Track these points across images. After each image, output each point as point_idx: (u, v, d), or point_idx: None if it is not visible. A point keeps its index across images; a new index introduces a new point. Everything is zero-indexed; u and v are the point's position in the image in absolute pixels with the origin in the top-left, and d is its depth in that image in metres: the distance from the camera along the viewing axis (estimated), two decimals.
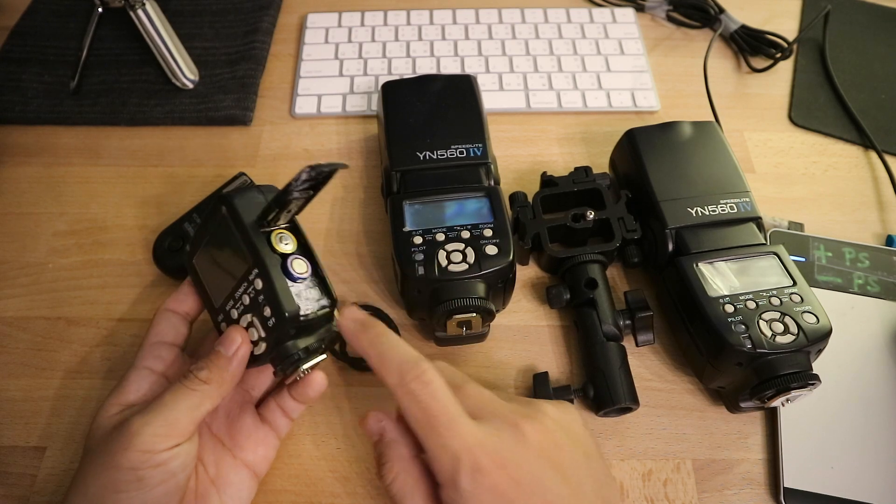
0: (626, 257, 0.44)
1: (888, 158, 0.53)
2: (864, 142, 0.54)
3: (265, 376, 0.38)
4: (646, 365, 0.42)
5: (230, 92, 0.56)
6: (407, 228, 0.40)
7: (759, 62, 0.60)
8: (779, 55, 0.59)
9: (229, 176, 0.49)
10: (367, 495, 0.38)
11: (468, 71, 0.58)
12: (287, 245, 0.32)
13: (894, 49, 0.61)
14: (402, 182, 0.43)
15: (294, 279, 0.32)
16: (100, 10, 0.59)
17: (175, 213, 0.47)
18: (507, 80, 0.57)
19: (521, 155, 0.53)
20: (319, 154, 0.53)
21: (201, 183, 0.51)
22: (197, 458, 0.33)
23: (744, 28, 0.60)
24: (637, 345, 0.41)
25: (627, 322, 0.41)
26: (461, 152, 0.44)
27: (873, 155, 0.54)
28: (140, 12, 0.54)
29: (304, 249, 0.33)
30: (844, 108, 0.56)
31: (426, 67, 0.58)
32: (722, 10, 0.62)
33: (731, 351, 0.36)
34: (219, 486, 0.34)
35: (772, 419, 0.40)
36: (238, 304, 0.33)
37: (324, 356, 0.34)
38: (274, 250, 0.32)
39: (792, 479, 0.38)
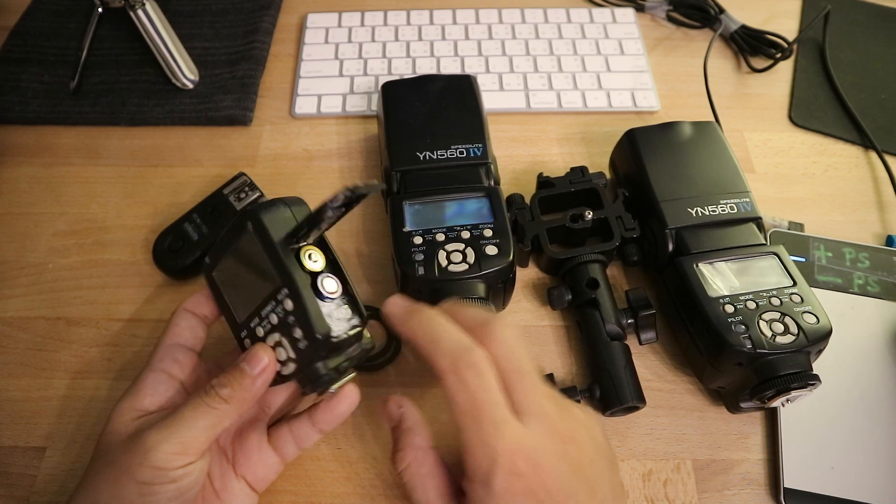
0: (626, 256, 0.44)
1: (888, 158, 0.53)
2: (864, 142, 0.54)
3: (280, 397, 0.37)
4: (646, 365, 0.42)
5: (230, 92, 0.56)
6: (407, 228, 0.40)
7: (759, 62, 0.60)
8: (779, 55, 0.59)
9: (229, 176, 0.49)
10: (367, 495, 0.38)
11: (468, 71, 0.58)
12: (316, 263, 0.31)
13: (894, 49, 0.61)
14: (402, 182, 0.43)
15: (324, 298, 0.31)
16: (100, 10, 0.59)
17: (175, 213, 0.47)
18: (507, 80, 0.57)
19: (521, 155, 0.53)
20: (319, 154, 0.53)
21: (201, 183, 0.51)
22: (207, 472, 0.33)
23: (744, 28, 0.60)
24: (640, 343, 0.41)
25: (630, 321, 0.41)
26: (461, 152, 0.44)
27: (873, 155, 0.54)
28: (140, 12, 0.54)
29: (333, 266, 0.32)
30: (844, 108, 0.56)
31: (426, 67, 0.58)
32: (722, 10, 0.62)
33: (731, 351, 0.36)
34: (223, 497, 0.34)
35: (772, 419, 0.40)
36: (264, 323, 0.32)
37: (353, 374, 0.33)
38: (304, 269, 0.31)
39: (792, 479, 0.38)
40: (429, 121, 0.46)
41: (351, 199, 0.29)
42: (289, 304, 0.30)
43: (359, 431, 0.40)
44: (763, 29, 0.60)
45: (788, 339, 0.36)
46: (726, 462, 0.39)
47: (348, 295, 0.32)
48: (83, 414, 0.40)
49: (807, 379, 0.35)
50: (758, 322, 0.37)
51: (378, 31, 0.61)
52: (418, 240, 0.39)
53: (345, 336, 0.31)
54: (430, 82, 0.48)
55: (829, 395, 0.40)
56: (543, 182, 0.47)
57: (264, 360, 0.32)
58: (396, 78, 0.57)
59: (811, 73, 0.59)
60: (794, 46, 0.60)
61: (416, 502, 0.31)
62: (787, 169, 0.53)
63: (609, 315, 0.41)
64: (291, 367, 0.32)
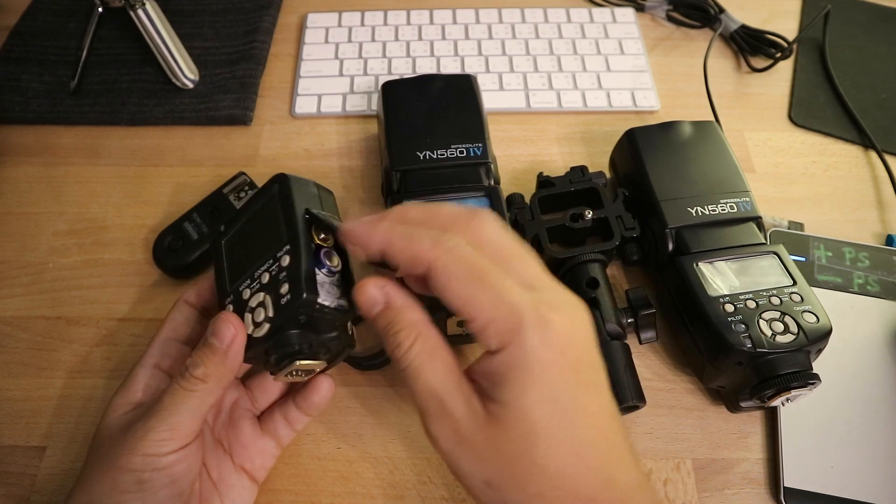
0: (626, 255, 0.44)
1: (888, 158, 0.53)
2: (864, 142, 0.54)
3: (272, 388, 0.38)
4: (646, 364, 0.42)
5: (230, 92, 0.56)
6: None
7: (759, 62, 0.60)
8: (779, 55, 0.59)
9: (229, 176, 0.49)
10: (368, 495, 0.38)
11: (468, 71, 0.58)
12: (326, 241, 0.32)
13: (894, 49, 0.61)
14: (402, 182, 0.43)
15: (322, 267, 0.30)
16: (100, 10, 0.59)
17: (175, 212, 0.47)
18: (507, 80, 0.57)
19: (521, 154, 0.53)
20: (319, 154, 0.53)
21: (201, 183, 0.51)
22: (202, 462, 0.33)
23: (744, 28, 0.60)
24: (640, 342, 0.41)
25: (630, 320, 0.41)
26: (461, 152, 0.44)
27: (873, 155, 0.54)
28: (140, 12, 0.54)
29: (341, 253, 0.32)
30: (844, 107, 0.56)
31: (426, 67, 0.58)
32: (722, 10, 0.62)
33: (731, 350, 0.36)
34: (221, 490, 0.34)
35: (772, 419, 0.40)
36: (255, 283, 0.31)
37: (323, 364, 0.33)
38: (312, 236, 0.31)
39: (792, 478, 0.38)
40: (429, 120, 0.46)
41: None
42: (286, 261, 0.30)
43: (359, 431, 0.40)
44: (763, 29, 0.60)
45: (788, 338, 0.36)
46: (726, 461, 0.39)
47: (346, 279, 0.32)
48: (83, 413, 0.40)
49: (807, 378, 0.35)
50: (758, 321, 0.37)
51: (378, 30, 0.61)
52: None
53: (328, 310, 0.30)
54: (430, 82, 0.48)
55: (829, 395, 0.40)
56: (543, 181, 0.47)
57: (230, 330, 0.30)
58: (396, 77, 0.57)
59: (811, 72, 0.59)
60: (794, 46, 0.60)
61: (424, 387, 0.27)
62: (786, 168, 0.53)
63: (609, 314, 0.41)
64: (265, 329, 0.30)
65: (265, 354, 0.31)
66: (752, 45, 0.60)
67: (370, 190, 0.51)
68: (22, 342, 0.43)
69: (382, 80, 0.56)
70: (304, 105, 0.56)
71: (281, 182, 0.32)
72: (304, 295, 0.29)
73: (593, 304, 0.41)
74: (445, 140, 0.44)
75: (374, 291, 0.28)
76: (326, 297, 0.30)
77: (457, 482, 0.38)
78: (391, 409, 0.41)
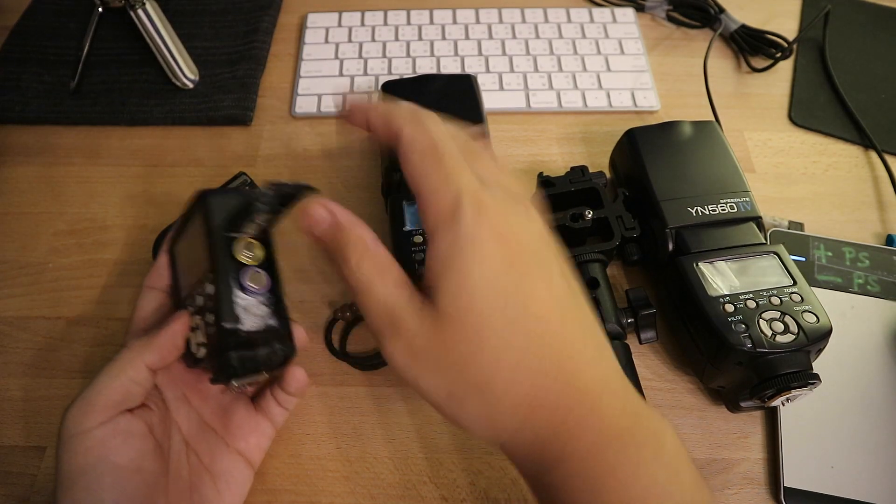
0: (626, 255, 0.44)
1: (888, 158, 0.53)
2: (864, 142, 0.54)
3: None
4: (646, 364, 0.42)
5: (230, 92, 0.56)
6: (407, 228, 0.40)
7: (759, 62, 0.60)
8: (779, 55, 0.59)
9: (229, 176, 0.49)
10: (368, 495, 0.38)
11: (468, 71, 0.58)
12: (249, 256, 0.31)
13: (894, 49, 0.61)
14: (401, 181, 0.43)
15: (246, 290, 0.30)
16: (100, 10, 0.59)
17: (175, 213, 0.47)
18: (507, 80, 0.57)
19: (521, 154, 0.53)
20: (319, 154, 0.53)
21: (201, 183, 0.51)
22: (186, 448, 0.34)
23: (744, 28, 0.60)
24: (640, 342, 0.41)
25: (630, 320, 0.41)
26: None
27: (873, 155, 0.54)
28: (140, 12, 0.54)
29: (270, 266, 0.32)
30: (844, 107, 0.56)
31: (426, 67, 0.58)
32: (722, 10, 0.62)
33: (731, 350, 0.36)
34: (214, 473, 0.34)
35: (772, 419, 0.40)
36: (193, 306, 0.32)
37: (263, 376, 0.32)
38: (233, 257, 0.31)
39: (792, 478, 0.38)
40: None
41: (278, 197, 0.29)
42: (209, 289, 0.30)
43: (358, 431, 0.40)
44: (763, 29, 0.60)
45: (788, 338, 0.36)
46: (726, 461, 0.39)
47: (275, 296, 0.31)
48: None
49: (807, 378, 0.35)
50: (758, 321, 0.37)
51: (378, 30, 0.61)
52: (418, 239, 0.39)
53: (255, 332, 0.30)
54: (431, 82, 0.48)
55: (829, 395, 0.40)
56: (543, 181, 0.47)
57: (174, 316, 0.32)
58: (396, 77, 0.57)
59: (811, 72, 0.59)
60: (794, 46, 0.60)
61: (375, 303, 0.26)
62: (787, 168, 0.53)
63: (609, 314, 0.41)
64: (203, 352, 0.31)
65: (210, 373, 0.32)
66: (752, 45, 0.60)
67: (370, 190, 0.51)
68: (22, 342, 0.43)
69: (382, 80, 0.56)
70: (304, 105, 0.56)
71: (201, 201, 0.32)
72: (225, 325, 0.29)
73: (593, 304, 0.41)
74: None
75: (319, 210, 0.28)
76: (252, 321, 0.30)
77: (456, 483, 0.38)
78: (391, 409, 0.41)
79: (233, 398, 0.37)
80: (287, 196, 0.29)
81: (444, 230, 0.25)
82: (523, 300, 0.25)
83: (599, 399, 0.26)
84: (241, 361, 0.30)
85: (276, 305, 0.31)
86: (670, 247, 0.41)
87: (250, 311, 0.30)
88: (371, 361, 0.42)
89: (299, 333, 0.33)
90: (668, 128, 0.46)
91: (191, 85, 0.56)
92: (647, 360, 0.43)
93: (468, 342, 0.25)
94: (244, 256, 0.31)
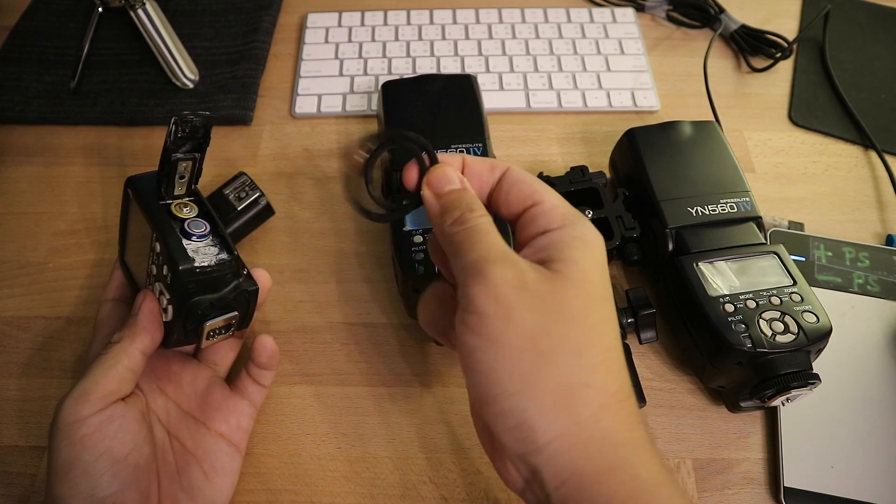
0: (626, 255, 0.44)
1: (888, 158, 0.53)
2: (864, 142, 0.54)
3: (228, 351, 0.39)
4: (646, 364, 0.42)
5: (230, 92, 0.56)
6: (407, 228, 0.40)
7: (759, 62, 0.60)
8: (779, 55, 0.59)
9: (229, 175, 0.48)
10: (368, 495, 0.38)
11: (468, 71, 0.58)
12: (188, 211, 0.34)
13: (894, 49, 0.61)
14: (401, 182, 0.43)
15: (190, 237, 0.33)
16: (100, 9, 0.59)
17: None
18: (507, 80, 0.57)
19: (521, 154, 0.53)
20: (319, 154, 0.53)
21: (201, 183, 0.50)
22: (168, 436, 0.35)
23: (744, 28, 0.60)
24: (640, 342, 0.41)
25: (630, 320, 0.41)
26: (462, 151, 0.44)
27: (873, 155, 0.54)
28: (140, 12, 0.54)
29: (206, 215, 0.35)
30: (844, 107, 0.56)
31: (426, 67, 0.58)
32: (722, 10, 0.62)
33: (731, 350, 0.36)
34: (199, 456, 0.35)
35: (772, 419, 0.40)
36: (150, 278, 0.34)
37: (234, 313, 0.34)
38: (173, 216, 0.33)
39: (792, 478, 0.38)
40: (429, 120, 0.46)
41: (187, 134, 0.32)
42: (158, 247, 0.33)
43: (359, 431, 0.40)
44: (763, 28, 0.60)
45: (788, 338, 0.36)
46: (726, 461, 0.39)
47: (219, 237, 0.34)
48: None
49: (807, 378, 0.35)
50: (758, 321, 0.37)
51: (378, 30, 0.61)
52: (418, 239, 0.39)
53: (209, 267, 0.32)
54: (431, 82, 0.48)
55: (829, 395, 0.40)
56: (544, 181, 0.47)
57: (140, 297, 0.34)
58: (396, 77, 0.57)
59: (811, 72, 0.59)
60: (794, 46, 0.60)
61: (492, 242, 0.27)
62: (787, 169, 0.53)
63: None
64: (171, 311, 0.33)
65: (183, 331, 0.33)
66: (752, 45, 0.60)
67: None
68: (22, 342, 0.43)
69: (382, 80, 0.56)
70: (304, 105, 0.56)
71: (129, 185, 0.35)
72: (179, 267, 0.31)
73: None
74: (445, 139, 0.44)
75: (452, 173, 0.30)
76: (204, 259, 0.33)
77: (455, 484, 0.38)
78: (392, 409, 0.41)
79: (208, 383, 0.37)
80: (195, 132, 0.32)
81: (569, 226, 0.27)
82: (612, 308, 0.28)
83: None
84: (208, 302, 0.32)
85: (222, 244, 0.34)
86: (670, 247, 0.41)
87: (199, 252, 0.33)
88: (381, 213, 0.34)
89: (263, 277, 0.37)
90: (668, 128, 0.47)
91: (191, 85, 0.56)
92: (647, 360, 0.43)
93: (576, 301, 0.26)
94: (183, 213, 0.34)
